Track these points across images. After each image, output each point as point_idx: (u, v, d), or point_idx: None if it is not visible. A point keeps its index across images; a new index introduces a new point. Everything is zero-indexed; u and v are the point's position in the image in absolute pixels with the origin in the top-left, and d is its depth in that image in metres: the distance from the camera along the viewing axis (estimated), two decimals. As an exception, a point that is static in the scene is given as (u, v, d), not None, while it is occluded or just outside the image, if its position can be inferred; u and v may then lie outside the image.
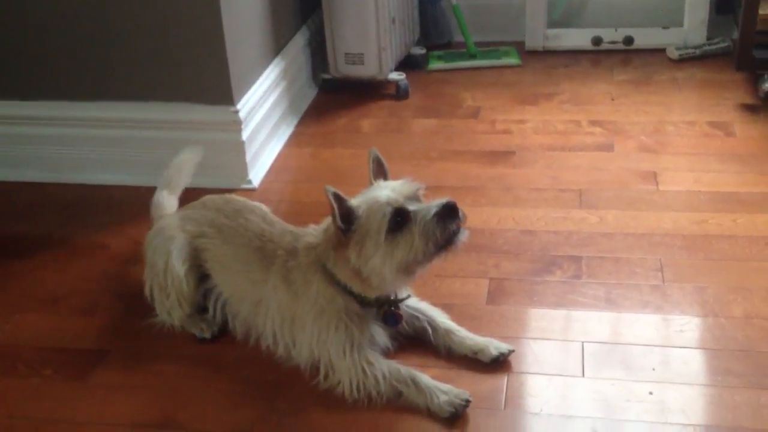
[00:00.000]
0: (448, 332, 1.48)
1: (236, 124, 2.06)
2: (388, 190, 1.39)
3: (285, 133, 2.34)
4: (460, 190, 2.01)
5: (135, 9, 1.98)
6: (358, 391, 1.38)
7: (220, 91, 2.04)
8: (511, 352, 1.45)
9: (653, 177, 2.01)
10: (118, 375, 1.49)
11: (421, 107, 2.48)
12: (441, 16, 2.86)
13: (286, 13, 2.44)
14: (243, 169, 2.09)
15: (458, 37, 2.82)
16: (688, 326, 1.53)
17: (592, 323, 1.55)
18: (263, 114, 2.20)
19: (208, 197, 1.65)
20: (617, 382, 1.40)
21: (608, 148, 2.16)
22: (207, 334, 1.56)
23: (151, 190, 1.74)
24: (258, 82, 2.19)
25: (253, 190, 2.08)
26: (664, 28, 2.70)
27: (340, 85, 2.56)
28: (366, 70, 2.51)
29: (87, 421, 1.40)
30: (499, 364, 1.44)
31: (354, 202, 1.37)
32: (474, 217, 1.89)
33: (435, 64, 2.73)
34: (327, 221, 1.43)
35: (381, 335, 1.46)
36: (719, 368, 1.43)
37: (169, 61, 2.04)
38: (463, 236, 1.37)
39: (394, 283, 1.41)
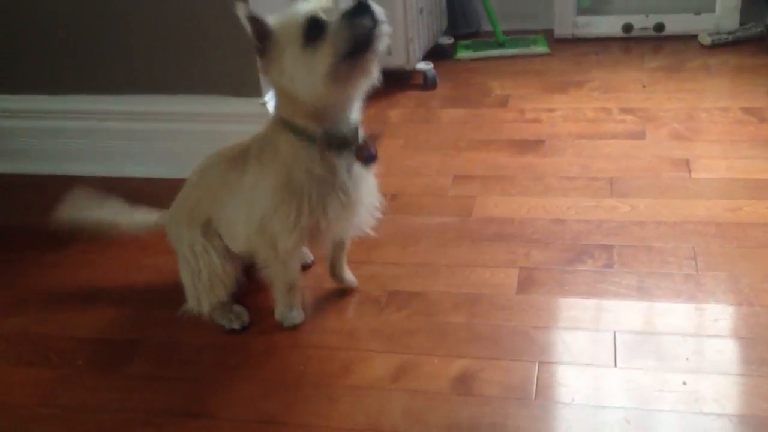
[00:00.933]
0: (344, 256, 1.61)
1: (264, 116, 2.06)
2: (304, 4, 1.33)
3: (312, 124, 2.34)
4: (489, 179, 2.00)
5: (162, 4, 1.99)
6: (264, 266, 1.48)
7: (248, 82, 2.04)
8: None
9: (686, 165, 1.98)
10: (149, 365, 1.50)
11: (449, 97, 2.47)
12: (468, 4, 2.85)
13: (313, 3, 2.44)
14: (271, 161, 2.09)
15: (486, 26, 2.80)
16: (722, 315, 1.50)
17: (624, 313, 1.53)
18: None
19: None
20: (650, 372, 1.38)
21: (640, 135, 2.13)
22: (236, 325, 1.56)
23: (178, 183, 1.74)
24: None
25: (281, 181, 2.08)
26: (696, 14, 2.65)
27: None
28: (393, 61, 2.50)
29: (118, 409, 1.41)
30: (527, 352, 1.43)
31: (271, 21, 1.33)
32: (504, 206, 1.88)
33: (463, 53, 2.72)
34: None
35: (347, 202, 1.42)
36: (754, 357, 1.40)
37: (197, 54, 2.04)
38: (383, 30, 1.29)
39: (327, 95, 1.32)
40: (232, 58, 2.02)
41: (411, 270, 1.69)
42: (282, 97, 1.39)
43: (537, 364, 1.42)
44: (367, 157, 1.42)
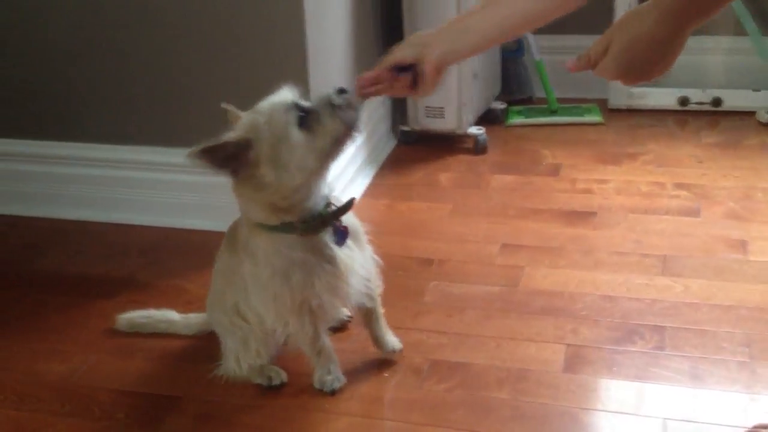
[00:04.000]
0: (378, 321, 1.59)
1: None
2: (266, 102, 1.37)
3: (362, 183, 2.35)
4: (538, 250, 1.98)
5: (219, 43, 2.03)
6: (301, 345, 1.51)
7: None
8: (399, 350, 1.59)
9: (742, 246, 1.93)
10: (189, 423, 1.49)
11: (499, 163, 2.46)
12: (523, 71, 2.86)
13: (369, 65, 2.47)
14: (320, 219, 2.10)
15: (539, 93, 2.80)
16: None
17: (674, 399, 1.48)
18: (343, 164, 2.21)
19: None
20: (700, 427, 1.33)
21: (694, 213, 2.10)
22: (276, 381, 1.56)
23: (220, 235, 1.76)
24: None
25: (329, 240, 2.08)
26: (755, 90, 2.62)
27: (418, 137, 2.57)
28: (445, 124, 2.51)
29: (156, 468, 1.40)
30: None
31: (235, 133, 1.34)
32: (552, 278, 1.85)
33: (515, 119, 2.72)
34: None
35: (335, 273, 1.43)
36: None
37: (252, 107, 2.08)
38: (361, 111, 1.37)
39: (317, 173, 1.38)
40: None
41: (455, 339, 1.67)
42: (252, 204, 1.40)
43: (583, 448, 1.38)
44: (337, 236, 1.44)
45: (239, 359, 1.56)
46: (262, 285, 1.45)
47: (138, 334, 1.74)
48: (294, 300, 1.43)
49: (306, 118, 1.34)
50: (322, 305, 1.46)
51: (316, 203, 1.41)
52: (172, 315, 1.75)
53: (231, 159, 1.32)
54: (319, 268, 1.42)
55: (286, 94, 1.37)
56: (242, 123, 1.37)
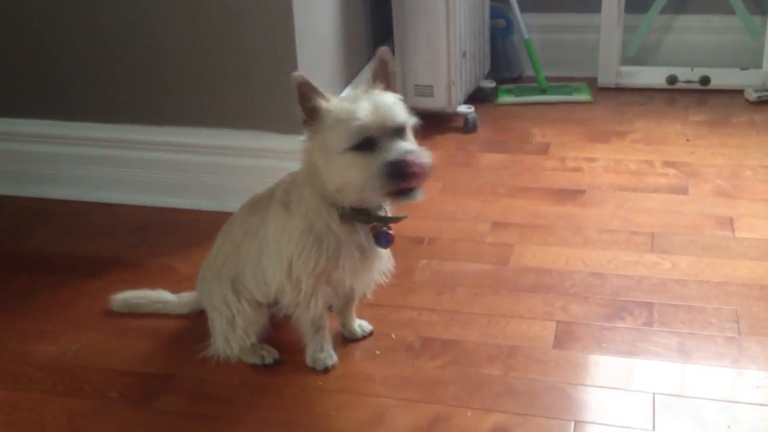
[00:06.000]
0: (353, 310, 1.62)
1: (305, 154, 2.07)
2: (370, 108, 1.30)
3: (352, 163, 2.35)
4: (527, 228, 1.98)
5: (209, 37, 2.02)
6: (290, 308, 1.50)
7: (291, 120, 2.05)
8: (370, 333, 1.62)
9: (729, 223, 1.95)
10: (182, 401, 1.50)
11: (489, 141, 2.47)
12: (512, 50, 2.85)
13: (358, 44, 2.46)
14: (310, 198, 2.10)
15: (529, 72, 2.80)
16: (764, 382, 1.46)
17: (663, 374, 1.49)
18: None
19: None
20: (689, 439, 1.35)
21: (682, 190, 2.11)
22: (269, 360, 1.56)
23: (219, 215, 1.75)
24: (328, 112, 2.21)
25: (319, 219, 2.08)
26: (743, 69, 2.63)
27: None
28: (435, 103, 2.51)
29: (149, 446, 1.41)
30: (563, 409, 1.41)
31: (329, 103, 1.33)
32: (542, 256, 1.86)
33: (504, 98, 2.72)
34: None
35: (363, 261, 1.44)
36: (798, 428, 1.36)
37: (241, 90, 2.07)
38: (419, 195, 1.32)
39: (354, 199, 1.37)
40: (276, 94, 2.04)
41: (446, 317, 1.68)
42: (311, 165, 1.39)
43: (573, 423, 1.39)
44: (381, 239, 1.43)
45: (229, 340, 1.56)
46: (292, 235, 1.42)
47: (130, 313, 1.74)
48: (318, 264, 1.41)
49: (367, 150, 1.30)
50: (339, 281, 1.46)
51: (367, 204, 1.40)
52: (166, 295, 1.75)
53: (307, 111, 1.33)
54: (349, 251, 1.42)
55: (375, 117, 1.30)
56: (339, 100, 1.36)
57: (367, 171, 1.29)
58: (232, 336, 1.56)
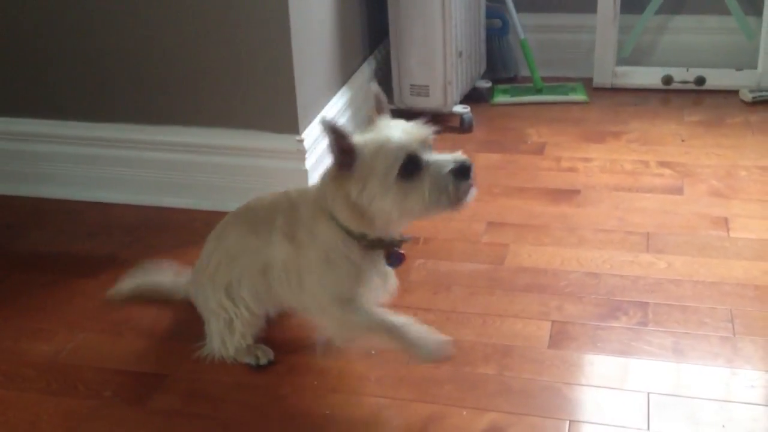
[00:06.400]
0: None
1: (300, 153, 2.07)
2: (399, 131, 1.32)
3: (348, 162, 2.35)
4: (523, 228, 1.98)
5: (204, 36, 2.02)
6: (341, 340, 1.47)
7: (286, 119, 2.06)
8: None
9: (724, 223, 1.95)
10: (175, 401, 1.49)
11: (485, 141, 2.47)
12: (508, 50, 2.85)
13: (354, 43, 2.46)
14: (305, 198, 2.10)
15: (524, 72, 2.80)
16: (758, 382, 1.46)
17: (657, 374, 1.50)
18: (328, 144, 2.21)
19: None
20: (682, 439, 1.35)
21: (677, 190, 2.11)
22: (264, 360, 1.56)
23: (214, 214, 1.75)
24: (323, 112, 2.21)
25: (314, 219, 2.08)
26: (738, 69, 2.63)
27: (404, 116, 2.55)
28: (431, 102, 2.50)
29: (143, 445, 1.40)
30: (558, 408, 1.41)
31: (358, 139, 1.32)
32: (537, 256, 1.86)
33: (500, 98, 2.72)
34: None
35: (381, 283, 1.46)
36: (792, 428, 1.37)
37: (236, 89, 2.07)
38: (472, 196, 1.34)
39: (398, 226, 1.40)
40: (272, 95, 2.04)
41: (441, 317, 1.68)
42: (339, 200, 1.37)
43: (568, 423, 1.39)
44: (393, 259, 1.44)
45: (225, 341, 1.56)
46: (311, 269, 1.43)
47: (123, 312, 1.74)
48: (341, 288, 1.41)
49: (413, 171, 1.30)
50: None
51: (393, 232, 1.42)
52: (163, 278, 1.74)
53: (343, 152, 1.31)
54: (369, 278, 1.43)
55: (407, 136, 1.31)
56: (372, 134, 1.34)
57: (436, 183, 1.29)
58: (229, 338, 1.55)
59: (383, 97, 1.41)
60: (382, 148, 1.30)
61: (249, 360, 1.56)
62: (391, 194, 1.31)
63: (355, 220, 1.37)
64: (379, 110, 1.40)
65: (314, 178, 2.11)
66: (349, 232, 1.39)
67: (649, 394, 1.44)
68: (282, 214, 1.48)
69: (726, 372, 1.49)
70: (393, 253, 1.44)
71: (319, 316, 1.47)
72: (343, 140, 1.30)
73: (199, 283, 1.61)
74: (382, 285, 1.47)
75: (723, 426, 1.37)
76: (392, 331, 1.40)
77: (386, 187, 1.30)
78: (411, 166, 1.29)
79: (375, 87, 1.42)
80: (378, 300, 1.49)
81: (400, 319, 1.41)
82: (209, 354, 1.58)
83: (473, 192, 1.34)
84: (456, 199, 1.32)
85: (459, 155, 1.33)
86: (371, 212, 1.34)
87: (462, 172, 1.31)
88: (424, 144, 1.33)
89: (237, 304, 1.54)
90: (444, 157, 1.32)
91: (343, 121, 2.31)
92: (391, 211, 1.33)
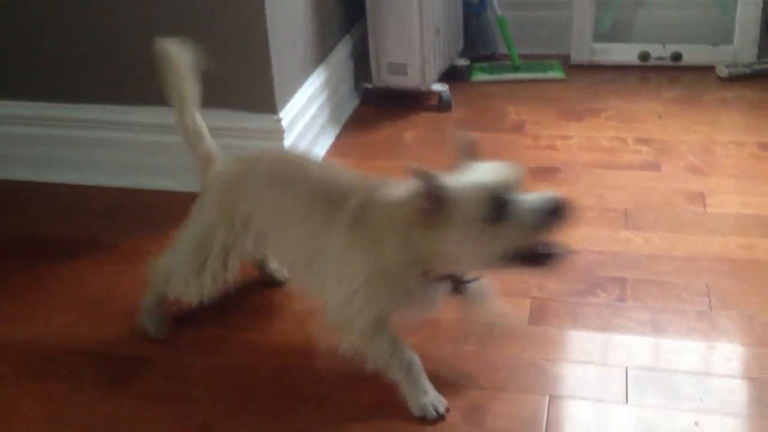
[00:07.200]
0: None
1: (279, 133, 2.06)
2: (486, 173, 1.26)
3: (326, 142, 2.34)
4: (502, 205, 1.99)
5: (179, 16, 1.99)
6: (358, 355, 1.37)
7: (264, 99, 2.04)
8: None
9: (701, 199, 1.97)
10: (157, 383, 1.49)
11: (463, 120, 2.46)
12: (485, 27, 2.84)
13: (330, 22, 2.44)
14: (284, 178, 2.09)
15: (502, 49, 2.80)
16: (734, 355, 1.49)
17: (636, 348, 1.52)
18: (305, 123, 2.20)
19: (265, 152, 1.62)
20: (662, 411, 1.37)
21: (655, 167, 2.13)
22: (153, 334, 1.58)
23: (192, 196, 1.72)
24: (301, 91, 2.19)
25: (294, 199, 2.08)
26: (714, 45, 2.65)
27: (382, 95, 2.55)
28: (409, 81, 2.50)
29: (127, 428, 1.40)
30: (539, 384, 1.43)
31: (446, 182, 1.24)
32: (516, 234, 1.87)
33: (478, 76, 2.71)
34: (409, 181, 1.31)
35: (425, 309, 1.41)
36: (766, 399, 1.39)
37: (212, 69, 2.04)
38: (565, 253, 1.27)
39: (487, 270, 1.35)
40: (249, 74, 2.02)
41: (422, 295, 1.68)
42: (426, 241, 1.28)
43: (548, 397, 1.41)
44: (457, 286, 1.38)
45: (188, 284, 1.52)
46: (359, 273, 1.34)
47: (102, 295, 1.72)
48: (380, 307, 1.35)
49: (498, 215, 1.22)
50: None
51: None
52: None
53: (432, 198, 1.24)
54: (415, 304, 1.38)
55: (494, 177, 1.25)
56: (459, 177, 1.27)
57: (526, 224, 1.22)
58: (186, 279, 1.52)
59: (473, 143, 1.34)
60: (467, 192, 1.23)
61: (149, 325, 1.59)
62: (475, 240, 1.24)
63: (436, 261, 1.30)
64: (469, 155, 1.32)
65: (300, 147, 2.10)
66: (418, 259, 1.31)
67: (627, 368, 1.46)
68: (355, 202, 1.37)
69: (703, 346, 1.51)
70: (462, 283, 1.37)
71: (339, 321, 1.38)
72: (433, 187, 1.23)
73: (211, 192, 1.53)
74: (424, 310, 1.42)
75: (700, 399, 1.39)
76: (408, 374, 1.37)
77: (471, 233, 1.24)
78: (498, 208, 1.22)
79: (465, 136, 1.34)
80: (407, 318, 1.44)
81: (414, 359, 1.37)
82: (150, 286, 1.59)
83: (565, 250, 1.28)
84: (545, 252, 1.26)
85: (551, 193, 1.25)
86: (455, 256, 1.28)
87: (555, 211, 1.23)
88: (513, 185, 1.25)
89: (229, 249, 1.48)
90: (534, 195, 1.24)
91: (319, 101, 2.30)
92: (474, 259, 1.27)
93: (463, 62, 2.72)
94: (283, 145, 2.06)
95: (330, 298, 1.39)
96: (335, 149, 2.32)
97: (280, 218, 1.46)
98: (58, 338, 1.62)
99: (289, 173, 1.48)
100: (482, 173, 1.27)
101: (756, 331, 1.54)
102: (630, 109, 2.44)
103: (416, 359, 1.38)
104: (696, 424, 1.34)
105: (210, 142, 1.61)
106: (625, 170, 2.12)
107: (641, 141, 2.26)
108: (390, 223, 1.32)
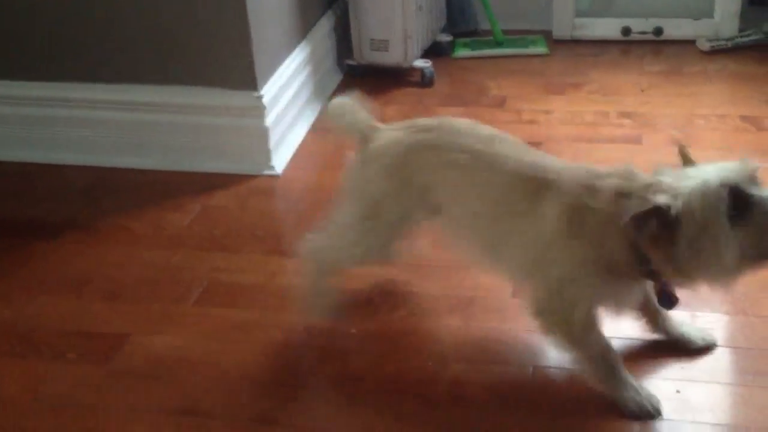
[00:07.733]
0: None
1: (260, 110, 2.04)
2: (716, 170, 1.16)
3: (309, 119, 2.32)
4: (485, 180, 1.99)
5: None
6: (562, 340, 1.30)
7: (244, 76, 2.02)
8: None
9: (683, 171, 1.97)
10: (141, 360, 1.49)
11: (446, 95, 2.45)
12: (467, 3, 2.83)
13: (311, 8, 2.42)
14: (266, 155, 2.08)
15: (485, 25, 2.78)
16: (717, 324, 1.50)
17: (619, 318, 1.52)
18: (287, 100, 2.18)
19: (430, 122, 1.48)
20: (644, 379, 1.38)
21: (637, 140, 2.13)
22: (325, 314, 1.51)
23: (170, 174, 1.72)
24: (282, 68, 2.18)
25: (276, 176, 2.07)
26: (695, 19, 2.65)
27: (364, 71, 2.54)
28: (391, 57, 2.48)
29: (110, 406, 1.39)
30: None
31: (663, 199, 1.14)
32: (500, 208, 1.87)
33: (461, 52, 2.70)
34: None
35: (628, 304, 1.34)
36: (748, 367, 1.40)
37: (193, 45, 2.02)
38: None
39: (726, 281, 1.21)
40: (230, 51, 2.00)
41: (406, 269, 1.68)
42: (661, 258, 1.20)
43: (531, 368, 1.41)
44: (665, 300, 1.31)
45: (341, 256, 1.48)
46: (573, 257, 1.26)
47: (83, 273, 1.71)
48: (595, 292, 1.28)
49: (740, 212, 1.13)
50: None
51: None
52: None
53: (650, 220, 1.15)
54: (621, 303, 1.33)
55: (727, 173, 1.16)
56: (680, 191, 1.16)
57: (763, 227, 1.12)
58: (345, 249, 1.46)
59: (687, 151, 1.29)
60: (699, 195, 1.13)
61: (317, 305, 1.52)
62: (718, 244, 1.14)
63: (668, 271, 1.21)
64: (686, 163, 1.28)
65: (274, 136, 2.09)
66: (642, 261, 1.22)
67: (611, 338, 1.47)
68: (574, 187, 1.28)
69: (684, 315, 1.52)
70: (667, 292, 1.29)
71: (551, 310, 1.30)
72: (651, 215, 1.14)
73: (376, 159, 1.44)
74: (624, 310, 1.36)
75: (682, 368, 1.40)
76: (616, 372, 1.31)
77: (713, 237, 1.14)
78: (739, 204, 1.13)
79: (682, 146, 1.30)
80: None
81: (620, 357, 1.33)
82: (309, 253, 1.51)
83: None
84: None
85: None
86: (694, 270, 1.18)
87: None
88: (751, 179, 1.16)
89: (401, 216, 1.43)
90: None
91: (301, 77, 2.28)
92: (718, 265, 1.16)
93: (445, 38, 2.71)
94: (264, 123, 2.05)
95: (537, 285, 1.32)
96: (318, 125, 2.31)
97: (462, 195, 1.39)
98: (41, 317, 1.61)
99: (469, 147, 1.38)
100: (711, 170, 1.17)
101: (738, 300, 1.54)
102: (612, 83, 2.44)
103: (617, 357, 1.32)
104: (678, 392, 1.35)
105: (368, 114, 1.53)
106: (608, 144, 2.12)
107: (623, 115, 2.26)
108: (608, 222, 1.22)
